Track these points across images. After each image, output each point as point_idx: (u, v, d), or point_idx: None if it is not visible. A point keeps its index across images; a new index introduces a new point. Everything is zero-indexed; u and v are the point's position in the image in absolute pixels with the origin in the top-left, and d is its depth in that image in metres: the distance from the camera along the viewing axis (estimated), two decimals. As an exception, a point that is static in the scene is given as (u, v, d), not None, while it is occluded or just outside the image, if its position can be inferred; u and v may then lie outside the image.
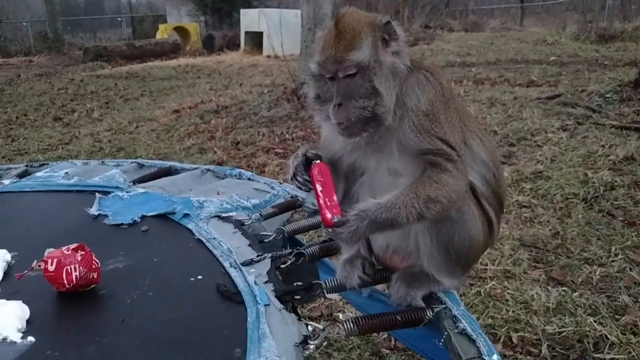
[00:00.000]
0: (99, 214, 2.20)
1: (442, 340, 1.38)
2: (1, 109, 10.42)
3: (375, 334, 3.03)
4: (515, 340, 2.91)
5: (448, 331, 1.37)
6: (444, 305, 1.47)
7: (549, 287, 3.33)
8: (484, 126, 6.59)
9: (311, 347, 1.39)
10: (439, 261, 1.54)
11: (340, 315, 3.29)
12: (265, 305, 1.50)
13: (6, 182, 2.71)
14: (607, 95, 7.43)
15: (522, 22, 22.68)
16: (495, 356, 1.25)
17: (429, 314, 1.45)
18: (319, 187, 1.47)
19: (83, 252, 1.57)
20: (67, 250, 1.56)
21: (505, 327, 3.00)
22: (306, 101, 1.65)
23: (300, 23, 8.97)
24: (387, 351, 2.98)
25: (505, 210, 4.29)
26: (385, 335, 3.03)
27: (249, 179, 2.66)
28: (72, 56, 19.67)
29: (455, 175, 1.47)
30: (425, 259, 1.56)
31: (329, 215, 1.44)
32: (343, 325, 1.40)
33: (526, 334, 2.94)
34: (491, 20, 22.49)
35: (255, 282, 1.62)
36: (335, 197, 1.46)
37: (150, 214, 2.18)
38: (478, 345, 1.29)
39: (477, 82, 9.64)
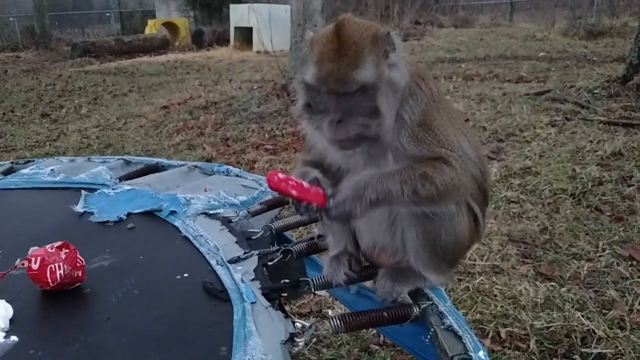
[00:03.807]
0: (84, 212, 2.18)
1: (429, 336, 1.37)
2: (-13, 105, 10.34)
3: (364, 330, 3.03)
4: (503, 336, 2.92)
5: (434, 327, 1.37)
6: (431, 302, 1.46)
7: (537, 282, 3.34)
8: (473, 122, 6.61)
9: (300, 344, 1.38)
10: (425, 257, 1.54)
11: (329, 312, 3.29)
12: (252, 303, 1.49)
13: (-10, 179, 2.68)
14: (596, 91, 7.47)
15: (512, 18, 22.73)
16: (481, 352, 1.25)
17: (416, 310, 1.44)
18: (304, 185, 1.46)
19: (67, 250, 1.55)
20: (51, 249, 1.54)
21: (494, 323, 3.01)
22: (295, 107, 1.60)
23: (289, 18, 8.95)
24: (376, 347, 2.98)
25: (492, 205, 4.31)
26: (374, 332, 3.03)
27: (236, 176, 2.65)
28: (59, 52, 19.49)
29: (454, 168, 1.47)
30: (412, 255, 1.56)
31: (321, 192, 1.44)
32: (330, 322, 1.40)
33: (514, 329, 2.95)
34: (481, 16, 22.50)
35: (242, 280, 1.61)
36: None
37: (136, 211, 2.16)
38: (464, 341, 1.28)
39: (466, 77, 9.66)
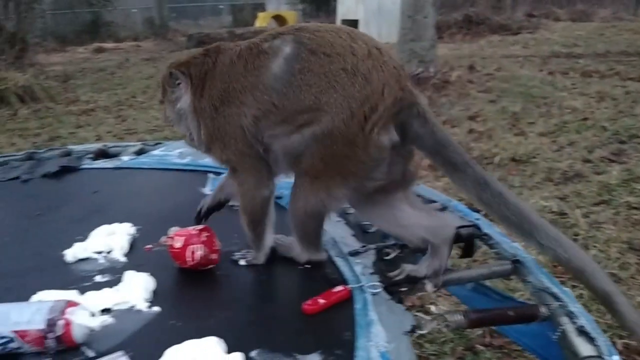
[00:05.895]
0: (212, 194, 2.31)
1: (557, 336, 1.34)
2: (112, 90, 11.09)
3: (469, 329, 2.99)
4: (620, 347, 2.77)
5: (564, 327, 1.33)
6: (560, 302, 1.42)
7: (660, 294, 3.14)
8: (593, 121, 6.28)
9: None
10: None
11: (432, 308, 3.26)
12: (373, 294, 1.53)
13: (125, 158, 2.90)
14: None
15: (637, 11, 21.14)
16: (616, 357, 1.20)
17: (544, 310, 1.41)
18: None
19: (207, 234, 1.68)
20: (194, 231, 1.67)
21: (610, 333, 2.86)
22: None
23: (398, 10, 8.88)
24: (482, 347, 2.93)
25: (612, 210, 4.06)
26: (480, 332, 2.99)
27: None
28: (176, 42, 20.49)
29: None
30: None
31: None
32: (452, 318, 1.40)
33: (632, 342, 2.80)
34: (601, 9, 21.07)
35: (362, 273, 1.65)
36: None
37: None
38: (597, 344, 1.24)
39: (584, 74, 9.15)
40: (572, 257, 1.47)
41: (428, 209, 1.82)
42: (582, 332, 1.30)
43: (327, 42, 1.52)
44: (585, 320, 1.34)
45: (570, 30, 15.85)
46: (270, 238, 1.76)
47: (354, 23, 17.70)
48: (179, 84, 1.70)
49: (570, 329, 1.32)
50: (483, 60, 11.07)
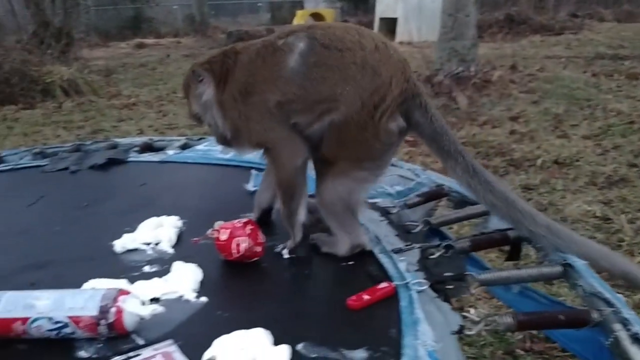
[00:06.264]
0: (255, 190, 2.32)
1: (608, 343, 1.30)
2: (153, 85, 11.30)
3: (509, 334, 2.94)
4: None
5: (617, 334, 1.30)
6: (614, 307, 1.38)
7: None
8: (639, 125, 6.11)
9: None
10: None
11: (472, 311, 3.22)
12: (418, 291, 1.52)
13: (170, 152, 2.95)
14: None
15: (686, 11, 20.45)
16: (672, 368, 1.17)
17: (596, 315, 1.38)
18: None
19: (252, 227, 1.70)
20: (239, 224, 1.69)
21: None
22: None
23: (436, 8, 8.80)
24: (522, 352, 2.89)
25: None
26: (521, 336, 2.94)
27: (392, 165, 2.64)
28: (215, 39, 20.71)
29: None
30: None
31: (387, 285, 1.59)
32: (501, 320, 1.38)
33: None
34: (649, 9, 20.46)
35: (406, 270, 1.64)
36: None
37: (302, 193, 2.26)
38: (653, 353, 1.21)
39: (630, 76, 8.91)
40: (571, 243, 1.57)
41: None
42: (637, 339, 1.26)
43: (338, 37, 1.63)
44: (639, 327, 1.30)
45: (615, 31, 15.46)
46: (303, 214, 1.79)
47: (392, 21, 17.62)
48: (201, 80, 1.80)
49: (623, 335, 1.28)
50: (525, 60, 10.89)
